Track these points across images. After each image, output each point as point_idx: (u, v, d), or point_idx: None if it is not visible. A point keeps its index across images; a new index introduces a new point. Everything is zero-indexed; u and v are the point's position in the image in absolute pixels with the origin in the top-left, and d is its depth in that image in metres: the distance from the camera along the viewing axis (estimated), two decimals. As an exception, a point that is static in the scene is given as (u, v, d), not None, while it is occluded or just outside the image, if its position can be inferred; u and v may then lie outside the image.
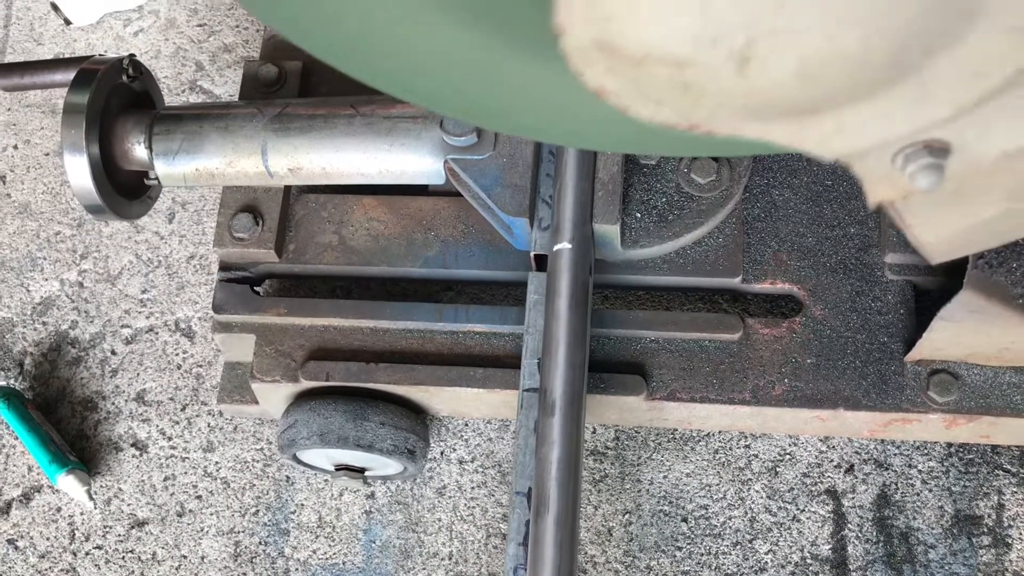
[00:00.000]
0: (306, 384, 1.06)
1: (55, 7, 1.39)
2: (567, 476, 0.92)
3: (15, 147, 1.37)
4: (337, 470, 1.09)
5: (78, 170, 1.00)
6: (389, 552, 1.14)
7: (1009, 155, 0.56)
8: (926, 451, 1.11)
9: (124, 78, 1.04)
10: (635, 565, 1.11)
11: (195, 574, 1.15)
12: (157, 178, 1.05)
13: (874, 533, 1.09)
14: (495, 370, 1.05)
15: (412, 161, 1.01)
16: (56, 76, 1.12)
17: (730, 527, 1.11)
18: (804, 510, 1.11)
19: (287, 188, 1.11)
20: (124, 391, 1.23)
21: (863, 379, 1.02)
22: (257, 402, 1.13)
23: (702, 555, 1.11)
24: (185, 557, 1.16)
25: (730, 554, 1.10)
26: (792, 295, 1.06)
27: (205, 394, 1.22)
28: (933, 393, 0.99)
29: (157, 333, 1.26)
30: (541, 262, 1.02)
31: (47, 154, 1.37)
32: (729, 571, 1.10)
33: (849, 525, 1.10)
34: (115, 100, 1.03)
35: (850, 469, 1.12)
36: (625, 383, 1.03)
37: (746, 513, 1.11)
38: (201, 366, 1.24)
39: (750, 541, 1.11)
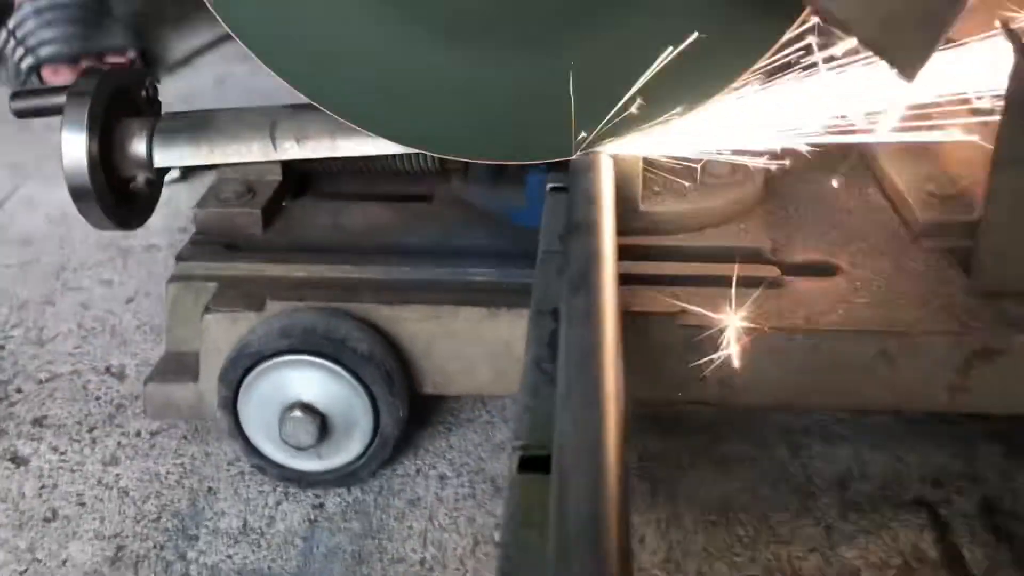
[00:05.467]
0: (274, 308, 0.88)
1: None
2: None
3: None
4: (288, 409, 0.84)
5: (74, 147, 0.96)
6: (337, 558, 0.81)
7: None
8: (1024, 468, 0.90)
9: (143, 92, 1.06)
10: (681, 571, 0.80)
11: (47, 578, 0.79)
12: (147, 180, 1.01)
13: (991, 539, 0.82)
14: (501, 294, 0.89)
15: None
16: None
17: (801, 535, 0.83)
18: (893, 519, 0.84)
19: (282, 183, 1.04)
20: (18, 416, 0.98)
21: (926, 306, 0.88)
22: (196, 378, 0.91)
23: (770, 560, 0.81)
24: (39, 561, 0.81)
25: (807, 559, 0.81)
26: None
27: (123, 419, 0.98)
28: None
29: (80, 374, 1.04)
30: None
31: None
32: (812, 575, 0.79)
33: (956, 532, 0.83)
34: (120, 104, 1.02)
35: (937, 483, 0.88)
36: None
37: (818, 522, 0.84)
38: (126, 399, 1.00)
39: (831, 548, 0.82)
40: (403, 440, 0.90)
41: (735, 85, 0.86)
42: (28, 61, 1.81)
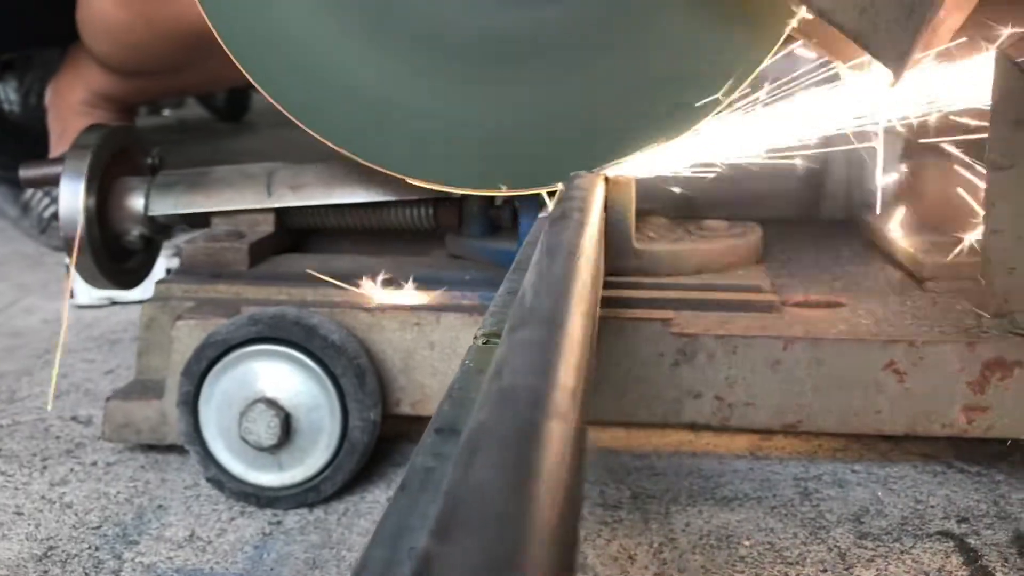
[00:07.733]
0: (249, 311, 0.84)
1: (67, 270, 1.41)
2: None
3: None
4: (252, 404, 0.78)
5: (71, 197, 0.96)
6: (288, 563, 0.72)
7: None
8: (1061, 513, 0.80)
9: (148, 160, 1.10)
10: (674, 583, 0.70)
11: (-36, 569, 0.71)
12: (142, 236, 1.03)
13: (1028, 565, 0.72)
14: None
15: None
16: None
17: (812, 558, 0.74)
18: (915, 547, 0.75)
19: (273, 234, 1.03)
20: (-30, 449, 0.92)
21: (935, 325, 0.82)
22: (161, 395, 0.86)
23: (776, 577, 0.71)
24: (-41, 556, 0.72)
25: (819, 577, 0.71)
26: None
27: (81, 453, 0.91)
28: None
29: (44, 420, 0.98)
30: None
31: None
32: (823, 591, 0.69)
33: (986, 557, 0.73)
34: (123, 166, 1.04)
35: (963, 520, 0.79)
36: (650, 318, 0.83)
37: (831, 549, 0.75)
38: (87, 439, 0.94)
39: (846, 569, 0.72)
40: (375, 457, 0.83)
41: (724, 106, 0.86)
42: (51, 209, 1.87)
